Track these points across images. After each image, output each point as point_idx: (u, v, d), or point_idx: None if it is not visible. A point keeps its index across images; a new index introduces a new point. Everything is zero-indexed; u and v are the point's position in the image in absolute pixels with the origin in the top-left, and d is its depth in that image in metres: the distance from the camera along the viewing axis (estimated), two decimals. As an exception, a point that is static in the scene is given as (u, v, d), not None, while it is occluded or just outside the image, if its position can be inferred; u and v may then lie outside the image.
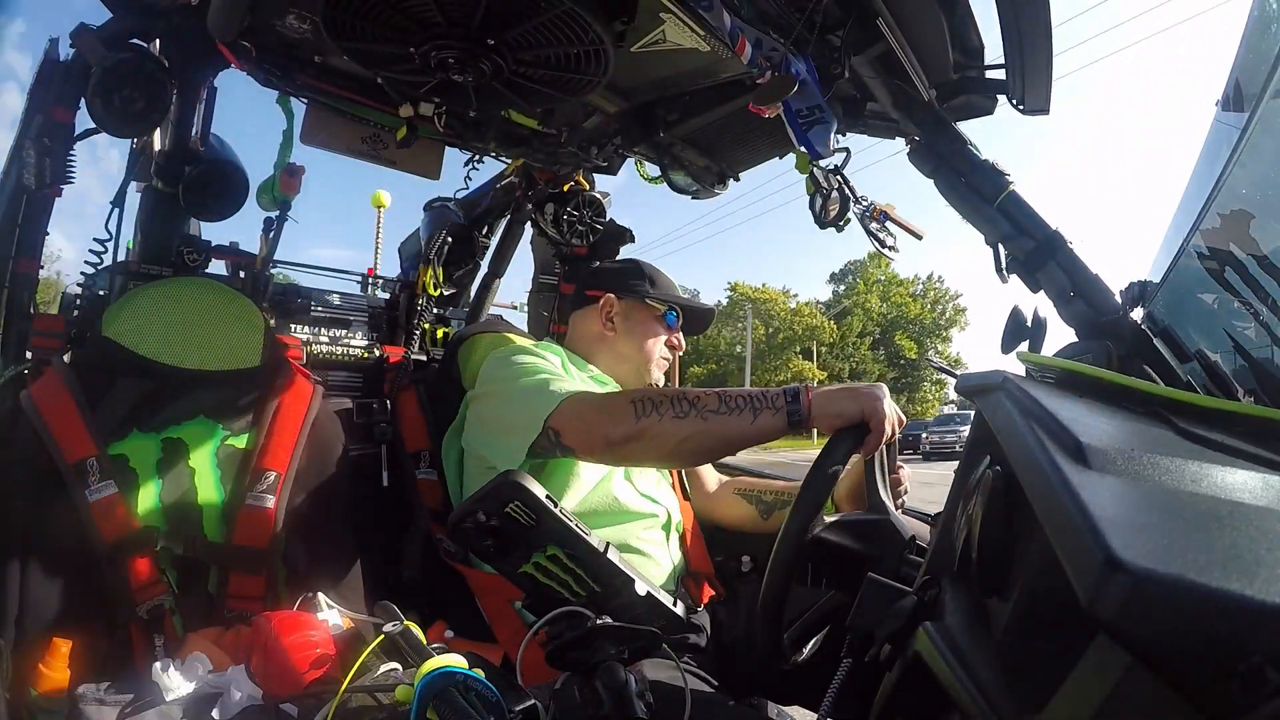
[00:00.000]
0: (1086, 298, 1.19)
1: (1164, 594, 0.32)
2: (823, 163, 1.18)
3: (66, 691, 0.90)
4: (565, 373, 1.34)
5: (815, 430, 1.05)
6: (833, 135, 1.13)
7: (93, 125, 1.14)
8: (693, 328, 1.59)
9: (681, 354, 1.59)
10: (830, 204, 1.20)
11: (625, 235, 1.91)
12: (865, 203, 1.16)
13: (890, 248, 1.19)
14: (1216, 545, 0.39)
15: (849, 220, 1.22)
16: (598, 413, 1.10)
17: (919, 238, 1.20)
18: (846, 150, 1.18)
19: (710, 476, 1.60)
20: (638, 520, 1.31)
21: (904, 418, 1.04)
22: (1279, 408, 0.55)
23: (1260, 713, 0.29)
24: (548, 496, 1.19)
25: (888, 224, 1.18)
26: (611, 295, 1.48)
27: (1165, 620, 0.32)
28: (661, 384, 1.55)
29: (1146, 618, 0.32)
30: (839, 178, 1.19)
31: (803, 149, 1.15)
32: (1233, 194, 0.76)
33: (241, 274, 1.52)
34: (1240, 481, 0.46)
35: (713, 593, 1.40)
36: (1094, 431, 0.48)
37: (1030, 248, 1.23)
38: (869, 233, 1.16)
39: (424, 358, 1.73)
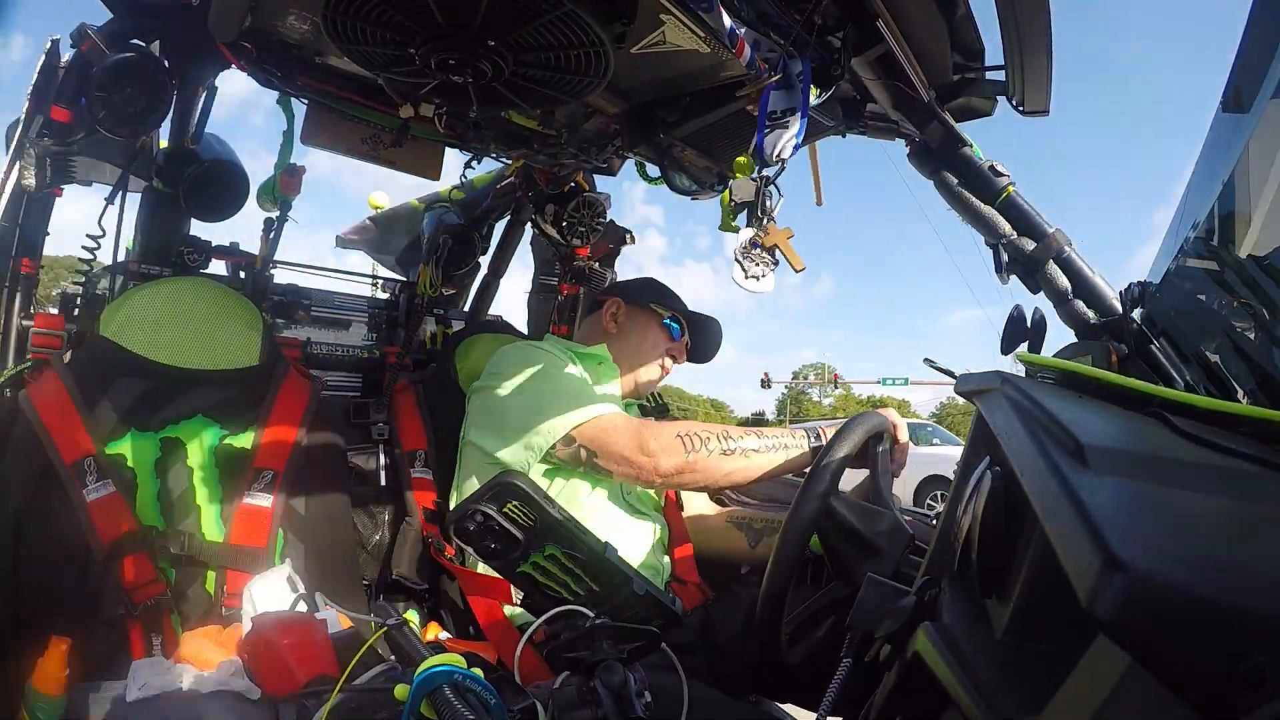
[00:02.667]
0: (1086, 298, 1.19)
1: (1164, 595, 0.32)
2: (762, 170, 1.11)
3: (64, 690, 0.90)
4: (577, 374, 1.35)
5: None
6: (784, 145, 1.07)
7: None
8: (703, 348, 1.59)
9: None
10: (750, 207, 1.12)
11: (625, 236, 1.91)
12: (764, 220, 1.06)
13: (753, 277, 1.07)
14: (1216, 546, 0.39)
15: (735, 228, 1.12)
16: (641, 444, 1.19)
17: (796, 270, 1.10)
18: (783, 163, 1.11)
19: (706, 505, 1.60)
20: (628, 532, 1.32)
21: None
22: (1279, 408, 0.55)
23: (1260, 714, 0.29)
24: (546, 497, 1.19)
25: (774, 252, 1.07)
26: (619, 299, 1.53)
27: (1165, 621, 0.32)
28: (648, 389, 1.56)
29: (1146, 618, 0.32)
30: (767, 188, 1.09)
31: (754, 149, 1.08)
32: (1232, 194, 0.75)
33: (241, 274, 1.52)
34: (1240, 483, 0.46)
35: (699, 599, 1.40)
36: (1094, 432, 0.47)
37: (1030, 248, 1.23)
38: (736, 259, 1.07)
39: (423, 358, 1.73)
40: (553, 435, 1.22)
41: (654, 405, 1.69)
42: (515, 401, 1.29)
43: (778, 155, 1.07)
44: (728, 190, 1.11)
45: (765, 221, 1.08)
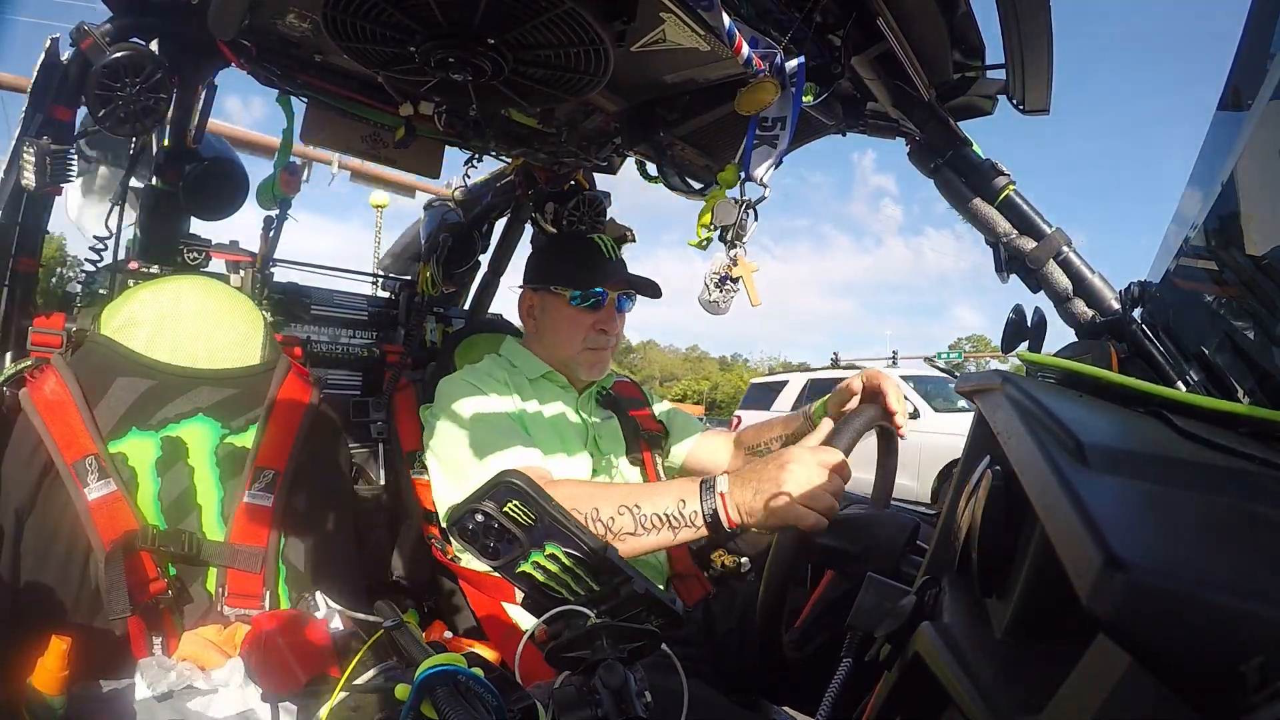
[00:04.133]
0: (1086, 298, 1.19)
1: (1164, 594, 0.32)
2: (748, 192, 1.09)
3: (65, 689, 0.90)
4: (512, 397, 1.30)
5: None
6: (771, 167, 1.06)
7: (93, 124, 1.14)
8: (643, 288, 1.40)
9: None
10: (726, 229, 1.10)
11: (626, 234, 1.91)
12: (736, 250, 1.06)
13: (714, 303, 1.06)
14: (1217, 545, 0.39)
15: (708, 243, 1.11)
16: None
17: (753, 304, 1.09)
18: (766, 188, 1.09)
19: (720, 456, 1.51)
20: None
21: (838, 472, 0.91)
22: (1279, 408, 0.55)
23: (1261, 714, 0.29)
24: (547, 496, 1.18)
25: (738, 282, 1.07)
26: (527, 289, 1.42)
27: (1165, 620, 0.32)
28: (595, 376, 1.40)
29: (1147, 618, 0.32)
30: (749, 211, 1.07)
31: (741, 157, 1.08)
32: (1231, 194, 0.75)
33: (241, 272, 1.52)
34: (1240, 482, 0.46)
35: (701, 593, 1.40)
36: (1094, 431, 0.47)
37: (1030, 248, 1.23)
38: (706, 282, 1.06)
39: (423, 356, 1.73)
40: (458, 500, 1.17)
41: (605, 393, 1.51)
42: (441, 455, 1.25)
43: (761, 179, 1.06)
44: (709, 211, 1.10)
45: (739, 251, 1.06)
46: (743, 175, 1.10)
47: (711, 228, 1.10)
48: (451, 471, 1.22)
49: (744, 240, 1.10)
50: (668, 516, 0.99)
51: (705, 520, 0.97)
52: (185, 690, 0.80)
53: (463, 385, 1.31)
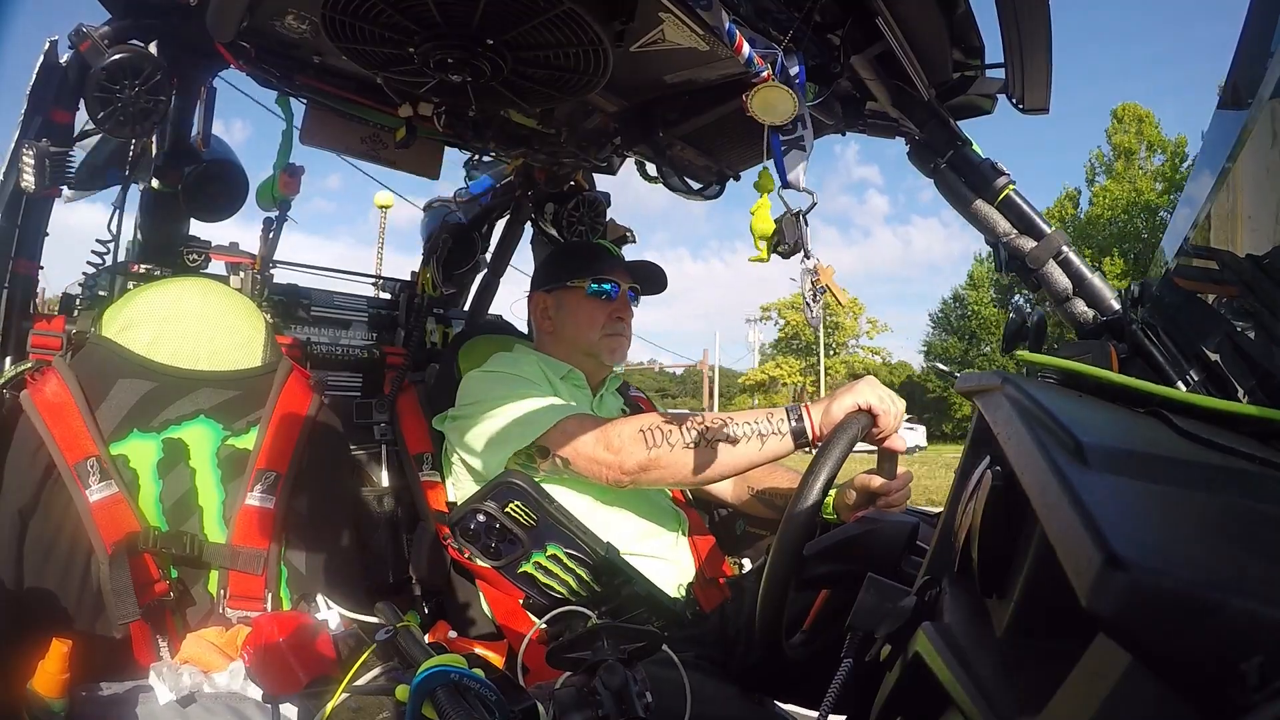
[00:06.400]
0: (1086, 297, 1.19)
1: (1164, 594, 0.32)
2: (792, 203, 1.09)
3: (65, 691, 0.90)
4: (545, 384, 1.33)
5: None
6: (803, 171, 1.07)
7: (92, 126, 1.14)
8: (649, 282, 1.51)
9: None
10: (784, 243, 1.13)
11: (625, 236, 1.91)
12: (812, 259, 1.10)
13: (817, 317, 1.13)
14: (1216, 545, 0.39)
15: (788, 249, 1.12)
16: (606, 443, 1.14)
17: (840, 304, 1.14)
18: (812, 194, 1.09)
19: (725, 485, 1.52)
20: (650, 522, 1.32)
21: (900, 404, 1.06)
22: (1279, 408, 0.55)
23: (1261, 713, 0.29)
24: (548, 497, 1.19)
25: (824, 289, 1.11)
26: (540, 293, 1.48)
27: (1165, 620, 0.32)
28: (616, 361, 1.47)
29: (1147, 617, 0.32)
30: (801, 220, 1.08)
31: (775, 166, 1.08)
32: (1232, 193, 0.75)
33: (241, 274, 1.52)
34: (1240, 482, 0.46)
35: (719, 598, 1.40)
36: (1094, 431, 0.47)
37: (1029, 247, 1.23)
38: (805, 296, 1.11)
39: (424, 358, 1.72)
40: (523, 443, 1.19)
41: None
42: (487, 427, 1.27)
43: (798, 184, 1.07)
44: (772, 225, 1.11)
45: (816, 260, 1.11)
46: (779, 183, 1.09)
47: (774, 244, 1.11)
48: (503, 447, 1.23)
49: (809, 247, 1.11)
50: (757, 425, 1.09)
51: (790, 427, 1.07)
52: (202, 694, 0.80)
53: (494, 375, 1.33)
